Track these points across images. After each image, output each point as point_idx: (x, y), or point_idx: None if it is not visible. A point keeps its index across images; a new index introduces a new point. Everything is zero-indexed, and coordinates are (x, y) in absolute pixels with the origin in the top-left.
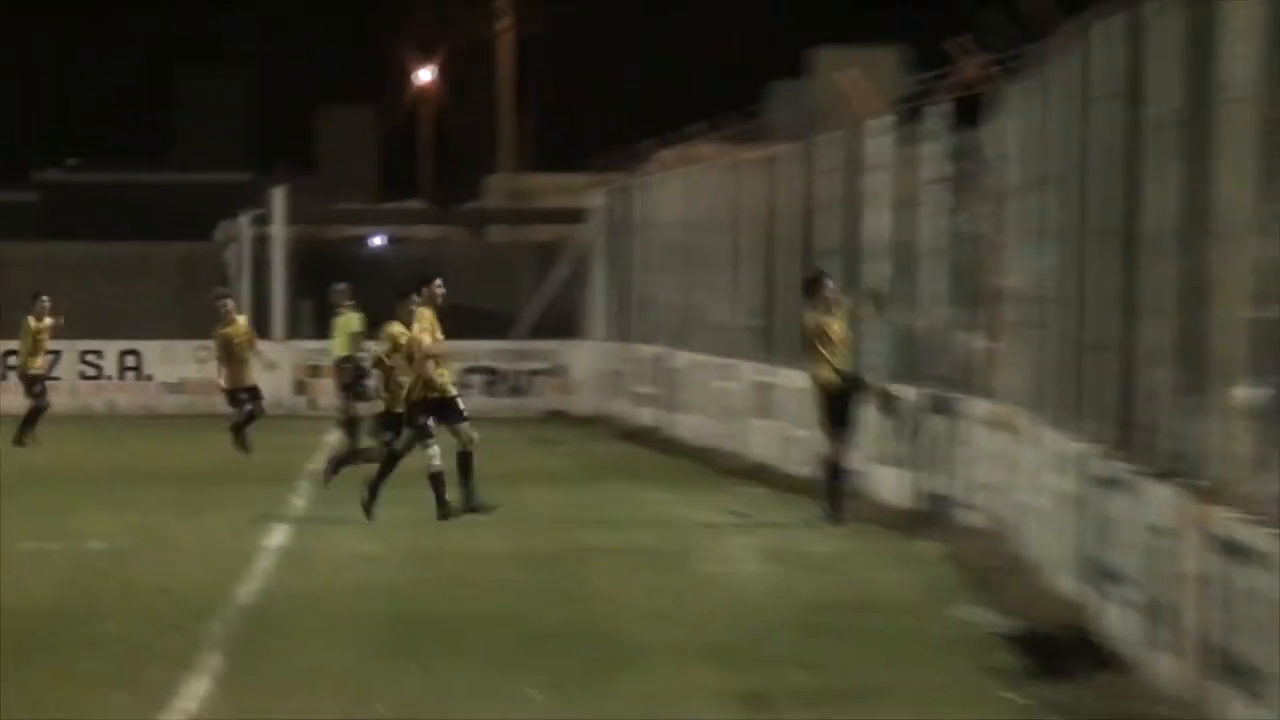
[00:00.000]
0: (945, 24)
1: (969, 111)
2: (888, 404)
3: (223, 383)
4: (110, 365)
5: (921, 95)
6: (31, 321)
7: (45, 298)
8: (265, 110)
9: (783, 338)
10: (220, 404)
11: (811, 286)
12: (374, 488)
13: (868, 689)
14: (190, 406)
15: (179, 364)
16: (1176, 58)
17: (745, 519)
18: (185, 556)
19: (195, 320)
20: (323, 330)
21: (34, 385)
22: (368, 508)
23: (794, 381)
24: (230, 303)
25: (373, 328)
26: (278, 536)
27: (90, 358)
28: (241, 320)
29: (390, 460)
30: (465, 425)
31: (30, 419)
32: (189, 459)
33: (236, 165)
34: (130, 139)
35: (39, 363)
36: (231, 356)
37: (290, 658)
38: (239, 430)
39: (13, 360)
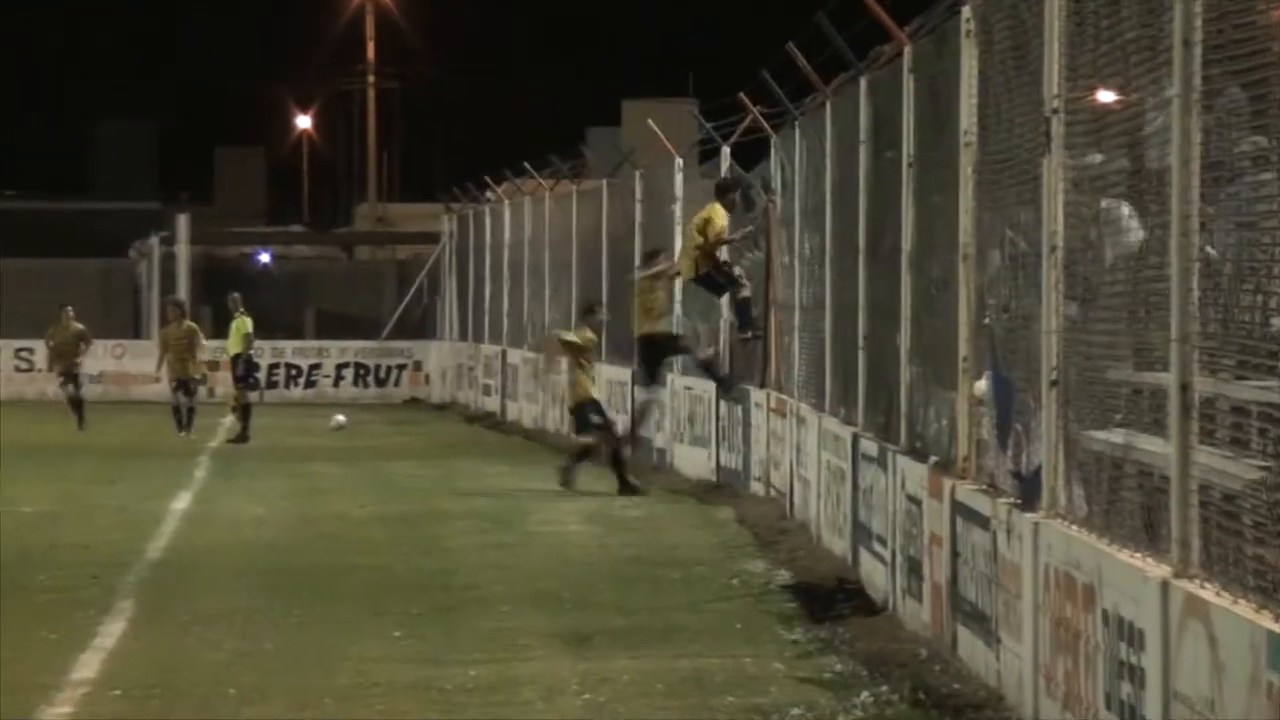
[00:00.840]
0: (735, 80)
1: (755, 151)
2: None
3: (164, 374)
4: (40, 360)
5: (711, 140)
6: None
7: None
8: (172, 149)
9: (600, 337)
10: (136, 391)
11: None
12: (620, 473)
13: (671, 629)
14: (108, 395)
15: (99, 359)
16: (916, 109)
17: (569, 488)
18: (104, 518)
19: (114, 323)
20: (220, 331)
21: None
22: (632, 487)
23: (609, 374)
24: (174, 308)
25: (259, 329)
26: (181, 502)
27: (24, 354)
28: (186, 324)
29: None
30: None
31: None
32: (107, 438)
33: (147, 196)
34: (58, 174)
35: None
36: (172, 353)
37: (192, 602)
38: (180, 415)
39: None
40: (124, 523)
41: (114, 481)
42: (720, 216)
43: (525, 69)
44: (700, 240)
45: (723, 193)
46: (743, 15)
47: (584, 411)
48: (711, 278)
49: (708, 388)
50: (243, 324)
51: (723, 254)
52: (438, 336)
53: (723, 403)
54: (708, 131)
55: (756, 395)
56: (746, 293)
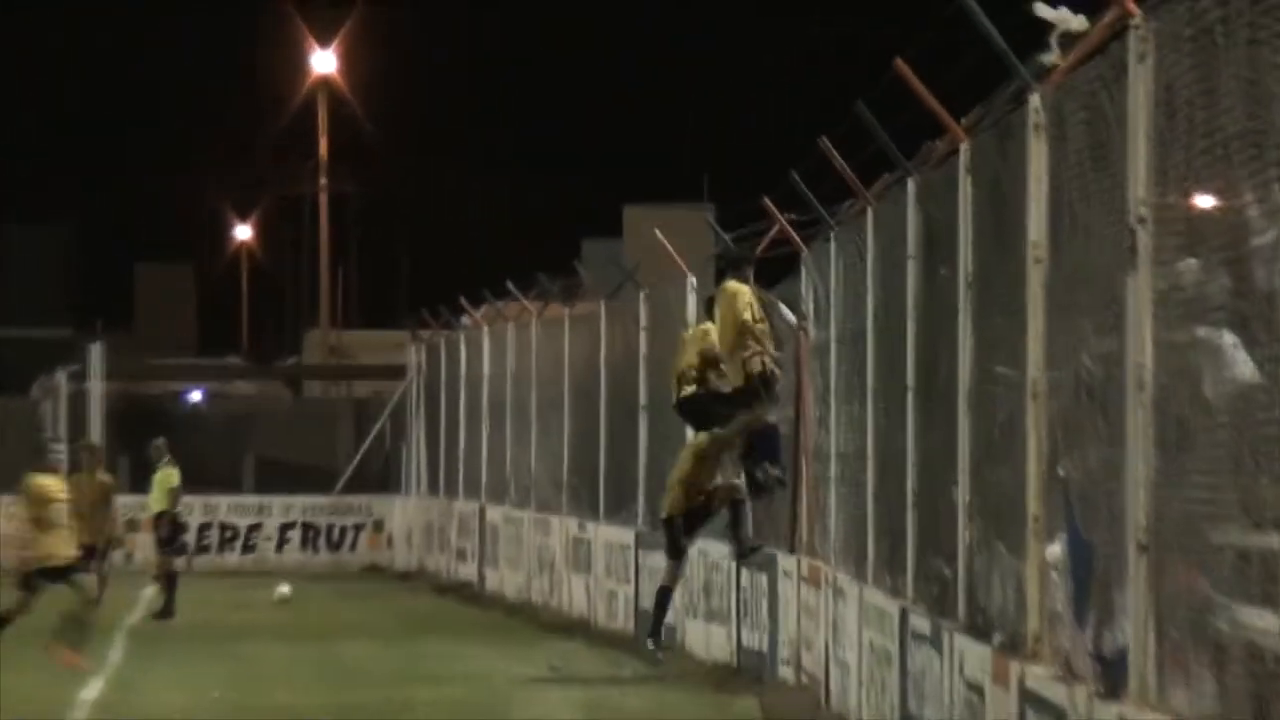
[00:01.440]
0: (758, 184)
1: (785, 268)
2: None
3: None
4: None
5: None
6: None
7: None
8: (84, 266)
9: (598, 492)
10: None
11: None
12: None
13: None
14: (3, 561)
15: None
16: (975, 217)
17: (560, 673)
18: (3, 711)
19: (6, 474)
20: (141, 485)
21: None
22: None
23: (609, 536)
24: (89, 454)
25: (188, 482)
26: (92, 690)
27: None
28: (100, 476)
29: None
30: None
31: None
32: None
33: (56, 321)
34: None
35: None
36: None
37: None
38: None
39: None
40: (23, 715)
41: (11, 668)
42: (744, 292)
43: (507, 168)
44: (709, 346)
45: (735, 266)
46: (766, 107)
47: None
48: (723, 400)
49: (726, 552)
50: (168, 476)
51: (755, 360)
52: (403, 490)
53: (744, 570)
54: (725, 244)
55: (785, 562)
56: (773, 418)
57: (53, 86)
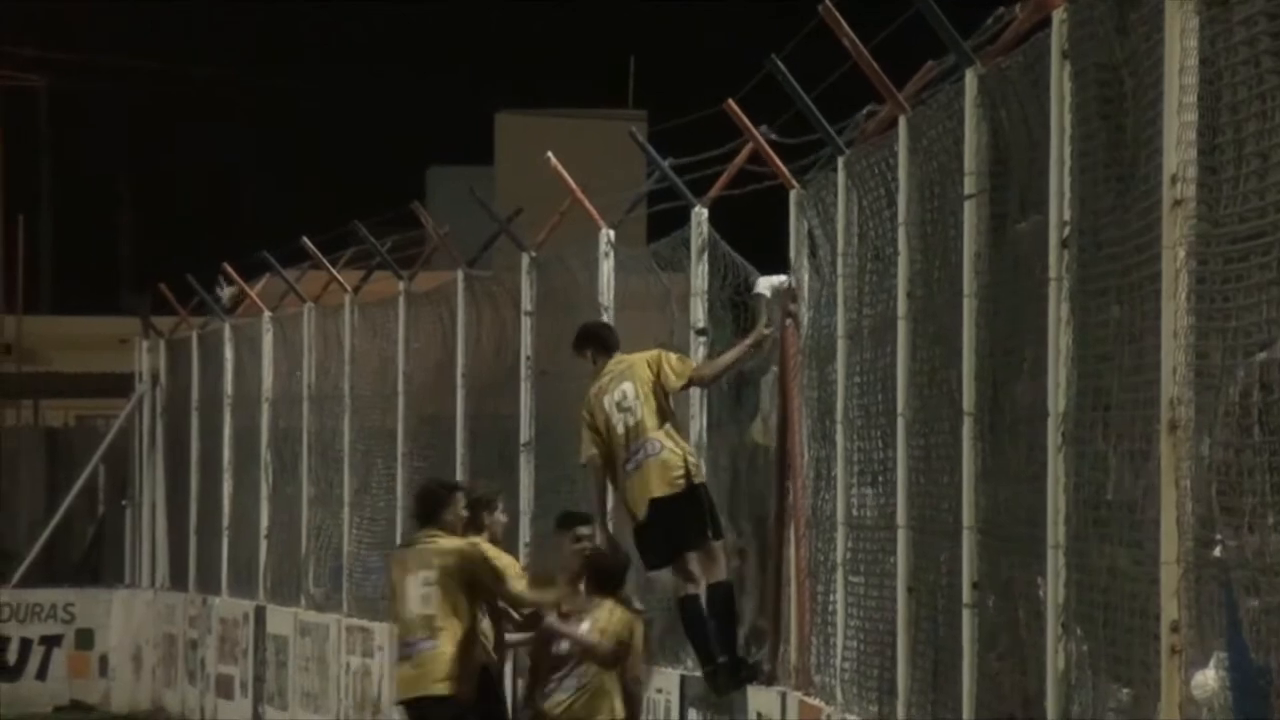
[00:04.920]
0: (713, 87)
1: (764, 215)
2: None
3: None
4: None
5: (673, 189)
6: None
7: None
8: None
9: None
10: None
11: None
12: None
13: None
14: None
15: None
16: (1078, 123)
17: None
18: None
19: None
20: None
21: None
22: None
23: None
24: None
25: None
26: None
27: None
28: None
29: None
30: None
31: None
32: None
33: None
34: None
35: None
36: None
37: None
38: None
39: None
40: None
41: None
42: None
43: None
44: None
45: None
46: None
47: None
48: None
49: (666, 683)
50: None
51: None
52: (127, 581)
53: (693, 712)
54: (664, 173)
55: (759, 699)
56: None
57: None
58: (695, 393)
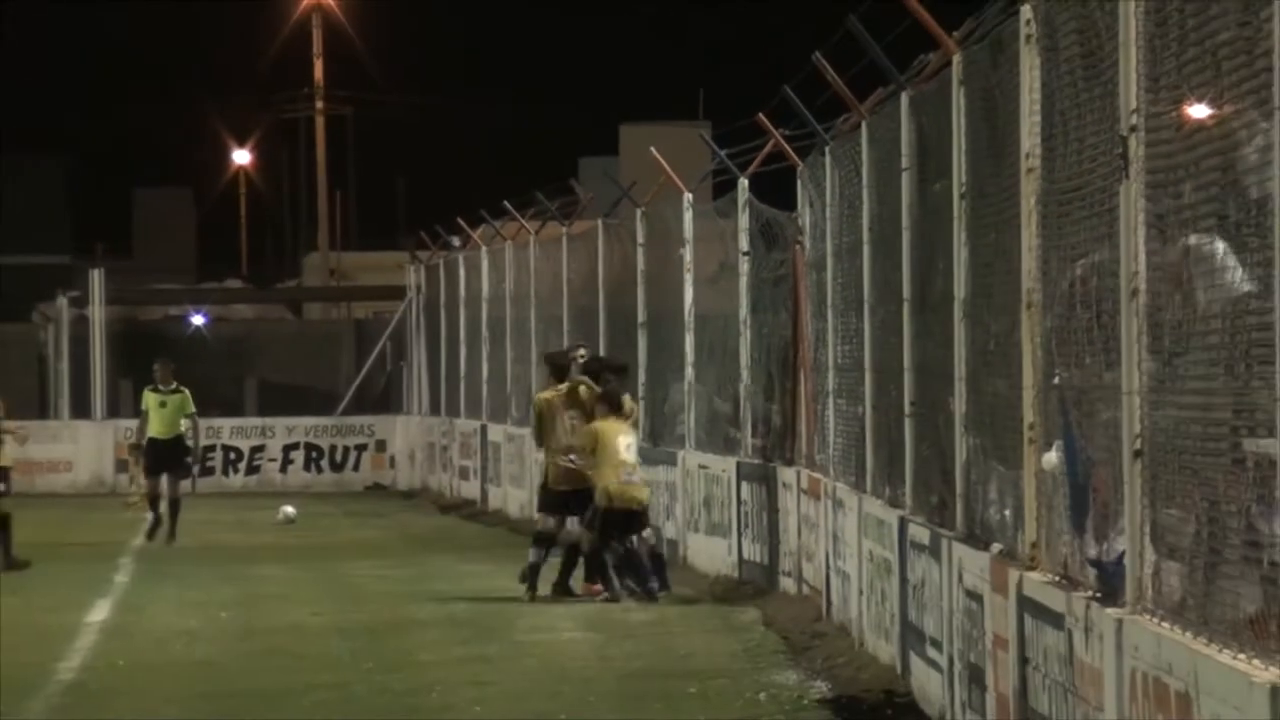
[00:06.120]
0: (753, 100)
1: (781, 183)
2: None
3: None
4: None
5: (726, 170)
6: None
7: None
8: (83, 193)
9: None
10: (42, 482)
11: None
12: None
13: None
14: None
15: None
16: (969, 129)
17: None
18: (8, 635)
19: (14, 402)
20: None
21: None
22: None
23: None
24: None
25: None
26: (99, 612)
27: None
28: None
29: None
30: None
31: None
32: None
33: (55, 248)
34: None
35: None
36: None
37: None
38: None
39: None
40: (32, 640)
41: (20, 590)
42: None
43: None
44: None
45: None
46: (760, 25)
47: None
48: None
49: (727, 466)
50: (186, 401)
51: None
52: (404, 410)
53: (745, 484)
54: (721, 160)
55: (785, 474)
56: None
57: (55, 15)
58: (743, 283)
